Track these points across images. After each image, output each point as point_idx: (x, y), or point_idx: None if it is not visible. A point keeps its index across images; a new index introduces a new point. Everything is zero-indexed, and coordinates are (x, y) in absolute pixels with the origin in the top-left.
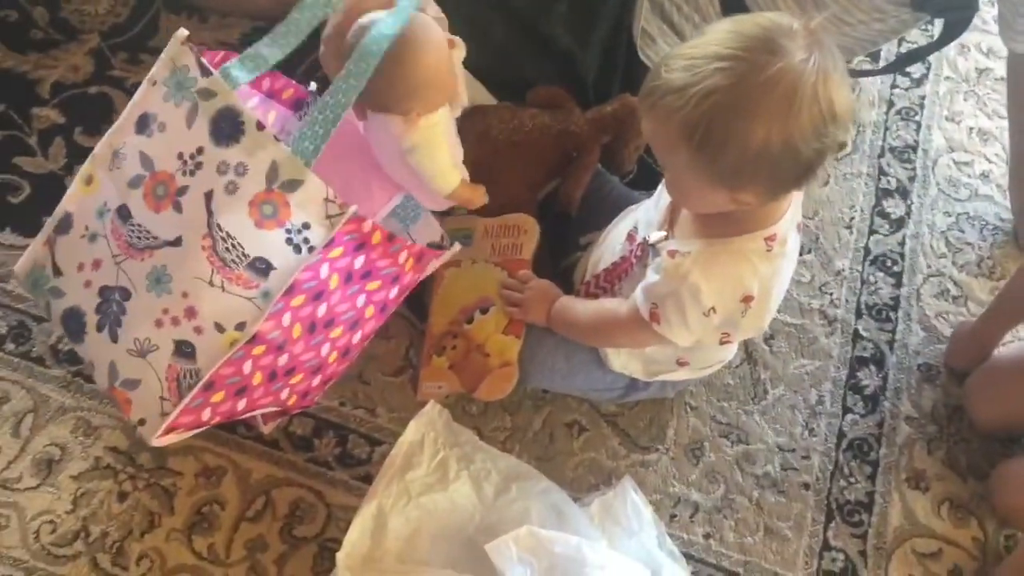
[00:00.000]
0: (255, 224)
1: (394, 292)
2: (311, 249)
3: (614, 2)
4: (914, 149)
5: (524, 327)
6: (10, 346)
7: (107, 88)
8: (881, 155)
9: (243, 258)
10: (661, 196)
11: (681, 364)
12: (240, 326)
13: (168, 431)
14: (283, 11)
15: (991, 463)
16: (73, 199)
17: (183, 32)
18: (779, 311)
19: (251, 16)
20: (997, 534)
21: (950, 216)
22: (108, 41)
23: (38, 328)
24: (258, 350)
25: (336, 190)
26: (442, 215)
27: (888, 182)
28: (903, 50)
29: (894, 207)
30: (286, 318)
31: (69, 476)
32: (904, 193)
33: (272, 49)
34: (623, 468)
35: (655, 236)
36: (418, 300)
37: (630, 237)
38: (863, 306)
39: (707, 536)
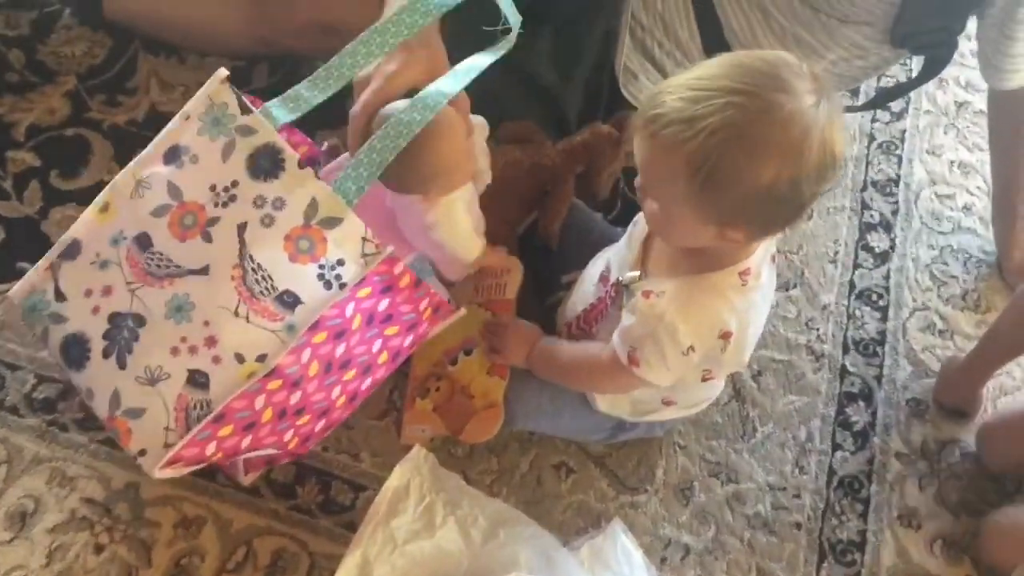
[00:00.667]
0: (289, 258)
1: (408, 340)
2: (342, 286)
3: (596, 40)
4: (896, 183)
5: (509, 368)
6: None
7: (84, 130)
8: (864, 189)
9: (272, 290)
10: (632, 234)
11: (667, 403)
12: (261, 358)
13: (170, 463)
14: (264, 51)
15: (983, 499)
16: (84, 226)
17: (223, 71)
18: (766, 347)
19: (230, 56)
20: (990, 574)
21: (934, 249)
22: (85, 83)
23: (12, 376)
24: (274, 384)
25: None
26: None
27: (871, 216)
28: (883, 85)
29: (878, 241)
30: (306, 354)
31: (44, 529)
32: (887, 227)
33: (313, 92)
34: (612, 510)
35: (628, 276)
36: None
37: (603, 279)
38: (850, 341)
39: None
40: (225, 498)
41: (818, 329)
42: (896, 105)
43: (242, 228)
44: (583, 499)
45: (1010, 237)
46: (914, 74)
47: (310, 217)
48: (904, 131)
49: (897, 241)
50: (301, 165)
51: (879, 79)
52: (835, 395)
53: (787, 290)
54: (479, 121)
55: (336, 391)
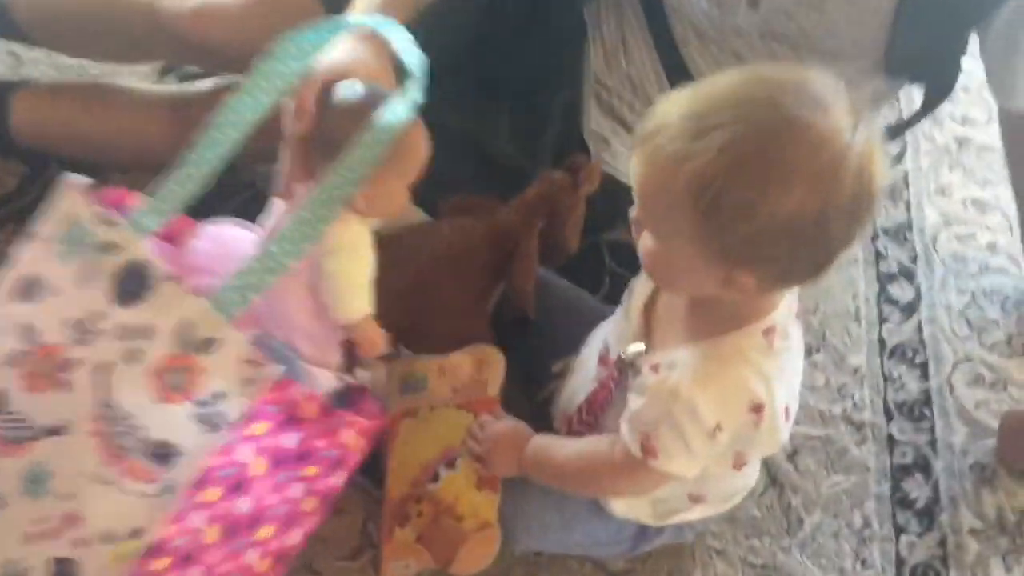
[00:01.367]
0: (159, 398)
1: (340, 479)
2: (227, 425)
3: (558, 110)
4: (908, 228)
5: (501, 479)
6: None
7: None
8: (875, 238)
9: (142, 443)
10: (630, 305)
11: (696, 500)
12: (136, 533)
13: None
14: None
15: None
16: None
17: (77, 179)
18: (797, 422)
19: (155, 167)
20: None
21: (964, 294)
22: None
23: None
24: (160, 564)
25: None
26: (388, 358)
27: (888, 265)
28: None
29: (901, 292)
30: (197, 518)
31: None
32: (909, 275)
33: (185, 185)
34: None
35: (631, 350)
36: (373, 461)
37: (602, 360)
38: (891, 405)
39: None
40: None
41: (853, 396)
42: (893, 147)
43: (104, 369)
44: None
45: None
46: (916, 109)
47: (183, 343)
48: (906, 173)
49: (922, 289)
50: (172, 278)
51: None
52: (887, 470)
53: (810, 355)
54: None
55: (252, 555)
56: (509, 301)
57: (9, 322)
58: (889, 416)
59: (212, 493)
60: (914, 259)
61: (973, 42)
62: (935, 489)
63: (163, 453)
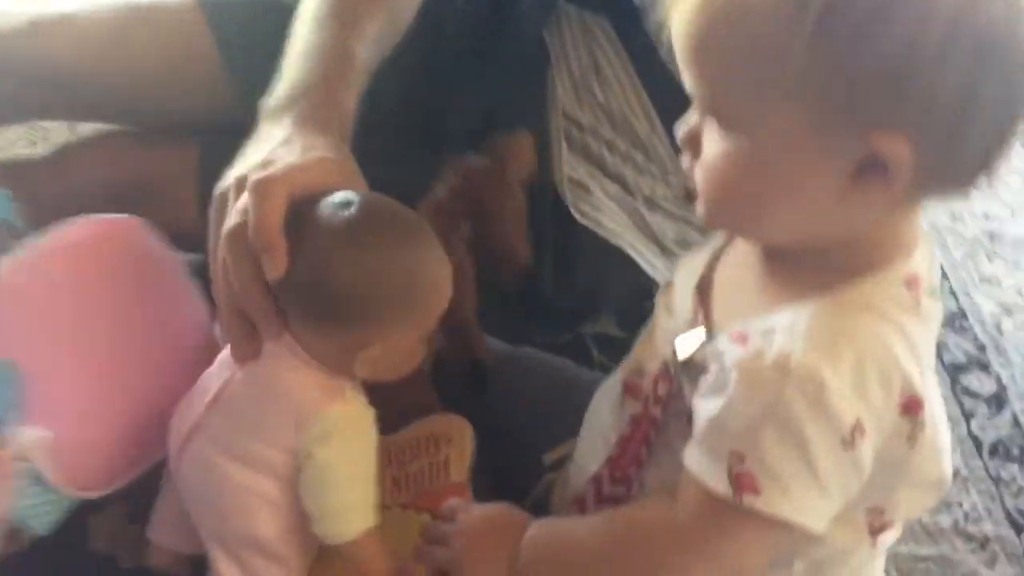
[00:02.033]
0: None
1: None
2: None
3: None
4: (964, 316)
5: None
6: None
7: None
8: None
9: None
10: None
11: None
12: None
13: None
14: None
15: None
16: None
17: None
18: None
19: None
20: None
21: None
22: None
23: None
24: None
25: None
26: None
27: (953, 356)
28: None
29: (979, 383)
30: None
31: None
32: (982, 366)
33: None
34: None
35: (689, 341)
36: None
37: (630, 389)
38: (1013, 513)
39: None
40: None
41: (961, 504)
42: None
43: None
44: None
45: None
46: None
47: None
48: (940, 265)
49: (1003, 379)
50: None
51: None
52: None
53: None
54: None
55: None
56: (454, 350)
57: None
58: (1017, 527)
59: None
60: (981, 349)
61: None
62: None
63: None
